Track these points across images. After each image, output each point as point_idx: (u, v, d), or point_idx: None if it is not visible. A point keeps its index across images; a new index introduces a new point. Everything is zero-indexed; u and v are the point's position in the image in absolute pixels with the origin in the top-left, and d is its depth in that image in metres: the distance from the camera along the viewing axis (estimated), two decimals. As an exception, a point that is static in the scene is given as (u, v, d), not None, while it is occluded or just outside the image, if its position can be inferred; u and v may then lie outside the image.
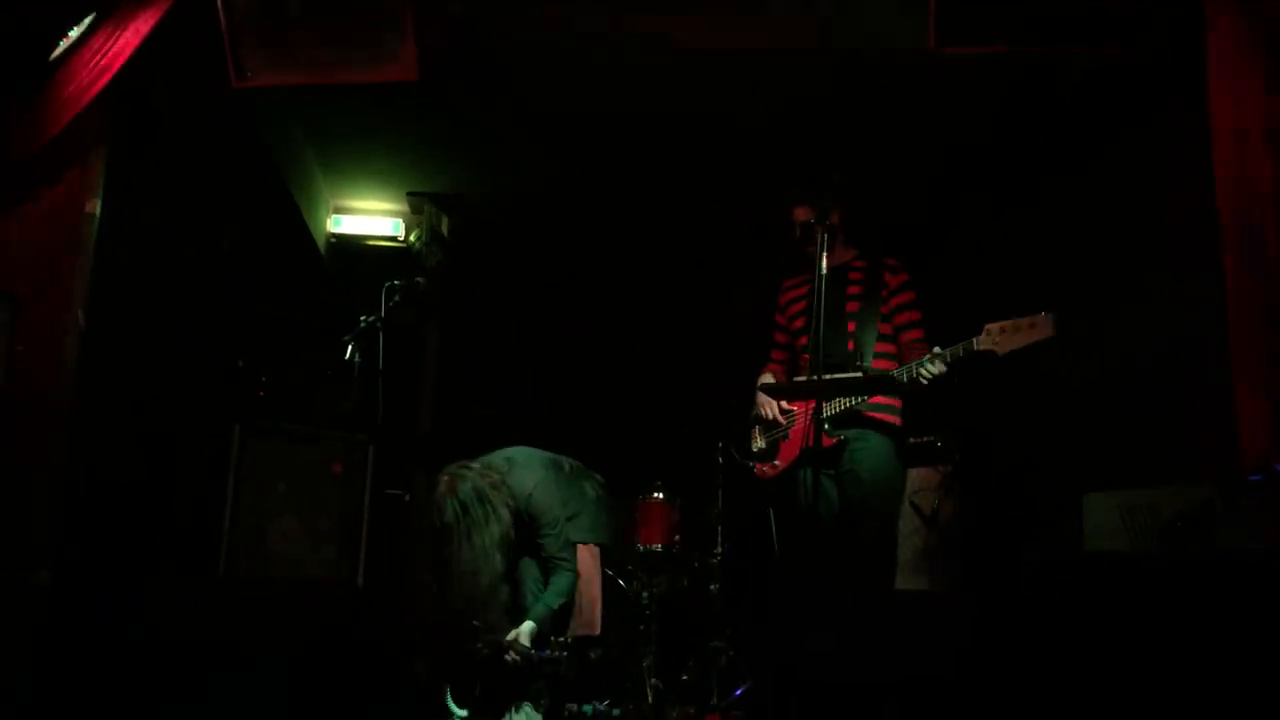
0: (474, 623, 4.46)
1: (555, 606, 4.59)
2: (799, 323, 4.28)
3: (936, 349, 3.75)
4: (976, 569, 4.98)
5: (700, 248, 6.84)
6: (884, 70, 4.94)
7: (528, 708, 4.48)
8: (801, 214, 4.14)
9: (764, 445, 4.34)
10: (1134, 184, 4.76)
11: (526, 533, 4.62)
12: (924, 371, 3.74)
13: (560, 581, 4.61)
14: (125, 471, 4.36)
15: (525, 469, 4.71)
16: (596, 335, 6.99)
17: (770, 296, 4.64)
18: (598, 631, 5.03)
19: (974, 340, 3.62)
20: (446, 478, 4.57)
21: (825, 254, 3.56)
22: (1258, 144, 3.24)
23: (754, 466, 4.36)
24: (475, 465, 4.63)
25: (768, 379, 4.40)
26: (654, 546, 5.41)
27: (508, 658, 4.42)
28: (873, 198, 4.30)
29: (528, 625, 4.49)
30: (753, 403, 4.44)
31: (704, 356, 6.72)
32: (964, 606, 3.25)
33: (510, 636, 4.45)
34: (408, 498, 6.39)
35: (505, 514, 4.52)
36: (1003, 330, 3.55)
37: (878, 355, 4.06)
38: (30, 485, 3.87)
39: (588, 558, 4.85)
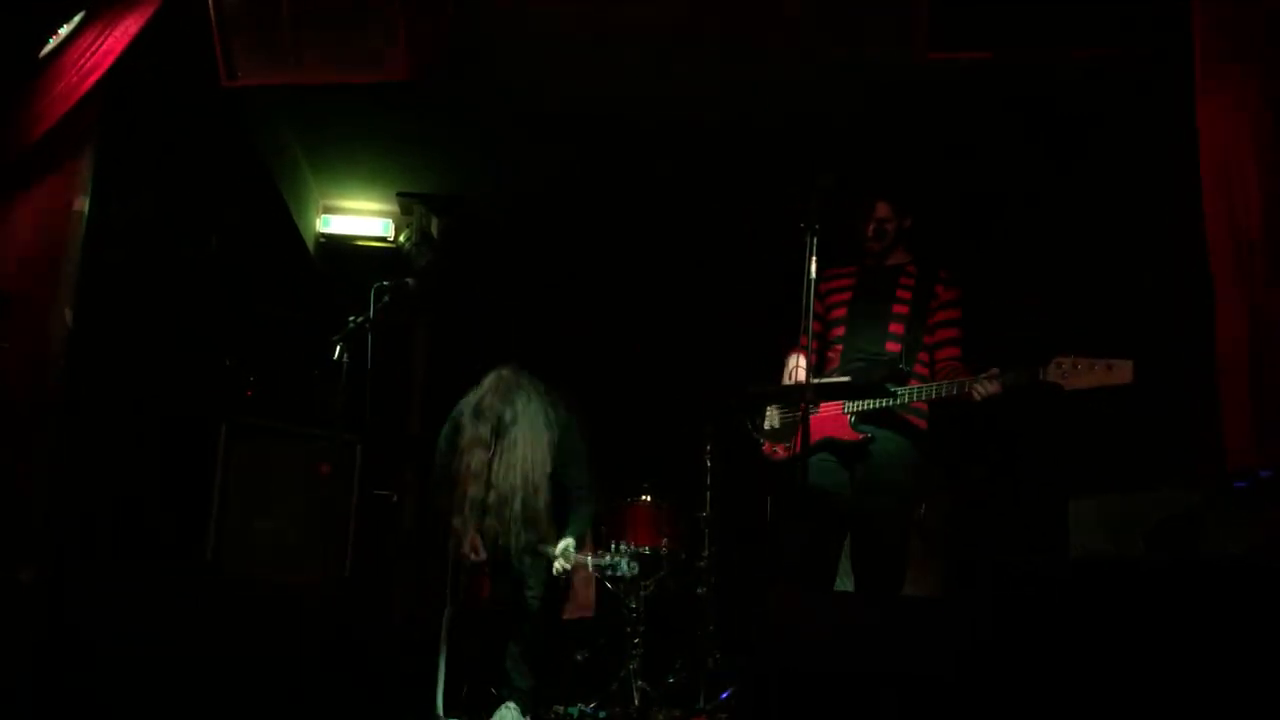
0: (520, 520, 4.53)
1: (584, 532, 4.72)
2: (837, 313, 4.23)
3: (996, 370, 3.70)
4: (962, 573, 4.99)
5: (697, 250, 6.85)
6: (879, 71, 4.95)
7: (514, 708, 4.49)
8: (883, 210, 4.14)
9: (777, 426, 4.25)
10: (1131, 184, 4.77)
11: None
12: (979, 389, 3.70)
13: (586, 509, 4.75)
14: (113, 470, 4.35)
15: (562, 400, 4.84)
16: (587, 336, 7.00)
17: (765, 298, 4.62)
18: (591, 614, 5.07)
19: (1040, 370, 3.56)
20: (509, 373, 4.75)
21: (813, 258, 3.54)
22: (1244, 156, 3.25)
23: (763, 444, 4.29)
24: (529, 377, 4.79)
25: (795, 360, 4.31)
26: (642, 549, 5.41)
27: (557, 566, 4.52)
28: (867, 199, 4.28)
29: (570, 540, 4.59)
30: (755, 398, 4.38)
31: (696, 359, 6.74)
32: (953, 610, 3.26)
33: (560, 547, 4.56)
34: (395, 498, 6.39)
35: (556, 430, 4.66)
36: (1075, 366, 3.48)
37: (917, 362, 4.04)
38: (17, 483, 3.85)
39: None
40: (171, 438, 4.74)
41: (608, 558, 4.73)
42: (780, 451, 4.19)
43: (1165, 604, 2.70)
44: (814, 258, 3.56)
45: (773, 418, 4.26)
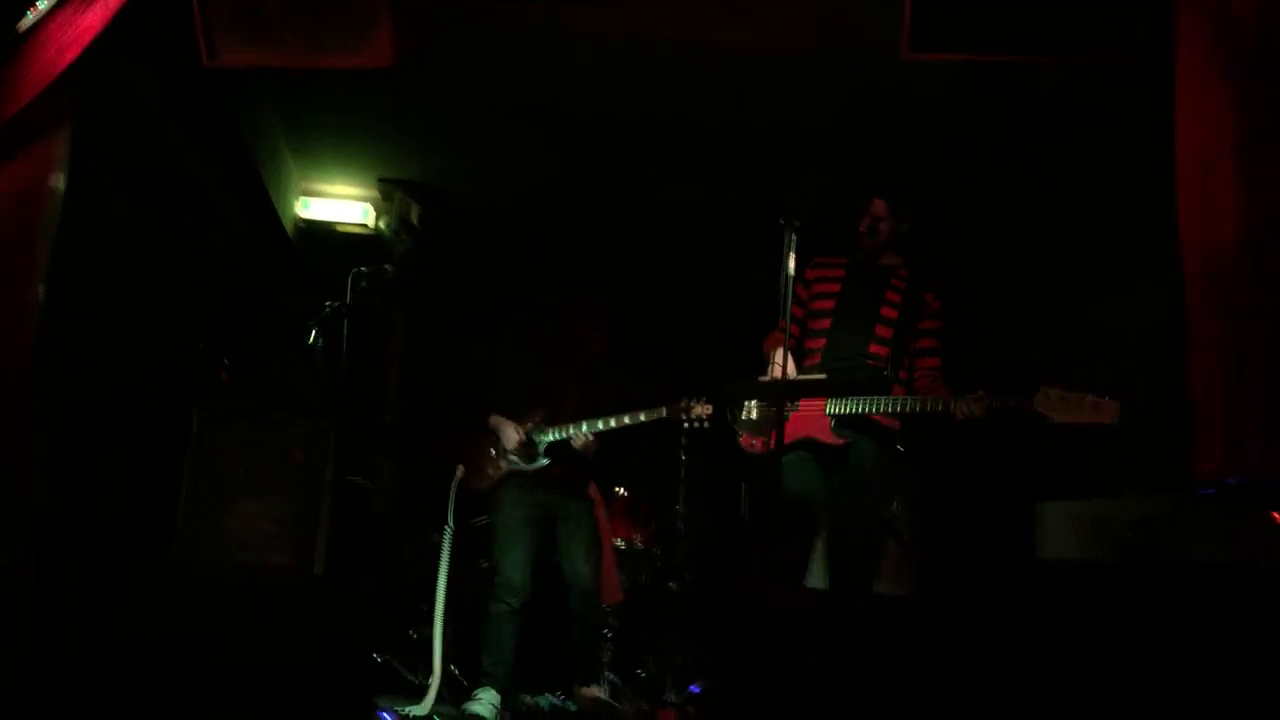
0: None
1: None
2: (823, 304, 4.21)
3: (982, 392, 3.71)
4: (933, 574, 5.02)
5: (677, 243, 6.85)
6: (865, 71, 4.96)
7: (491, 692, 4.50)
8: (880, 208, 4.13)
9: (755, 418, 4.24)
10: (1112, 191, 4.79)
11: None
12: (962, 409, 3.70)
13: None
14: (83, 453, 4.31)
15: None
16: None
17: (744, 298, 4.61)
18: (621, 599, 5.17)
19: (1030, 399, 3.59)
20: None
21: (792, 255, 3.54)
22: (1221, 164, 3.26)
23: (741, 436, 4.27)
24: None
25: (779, 356, 4.29)
26: (615, 543, 5.42)
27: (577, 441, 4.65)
28: (850, 200, 4.28)
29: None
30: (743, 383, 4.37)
31: (672, 353, 6.73)
32: (923, 611, 3.27)
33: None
34: (370, 485, 6.36)
35: None
36: (1063, 399, 3.51)
37: (903, 366, 4.04)
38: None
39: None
40: (143, 421, 4.71)
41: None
42: (758, 445, 4.18)
43: (1132, 608, 2.72)
44: (793, 255, 3.55)
45: (752, 409, 4.25)
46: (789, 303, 3.53)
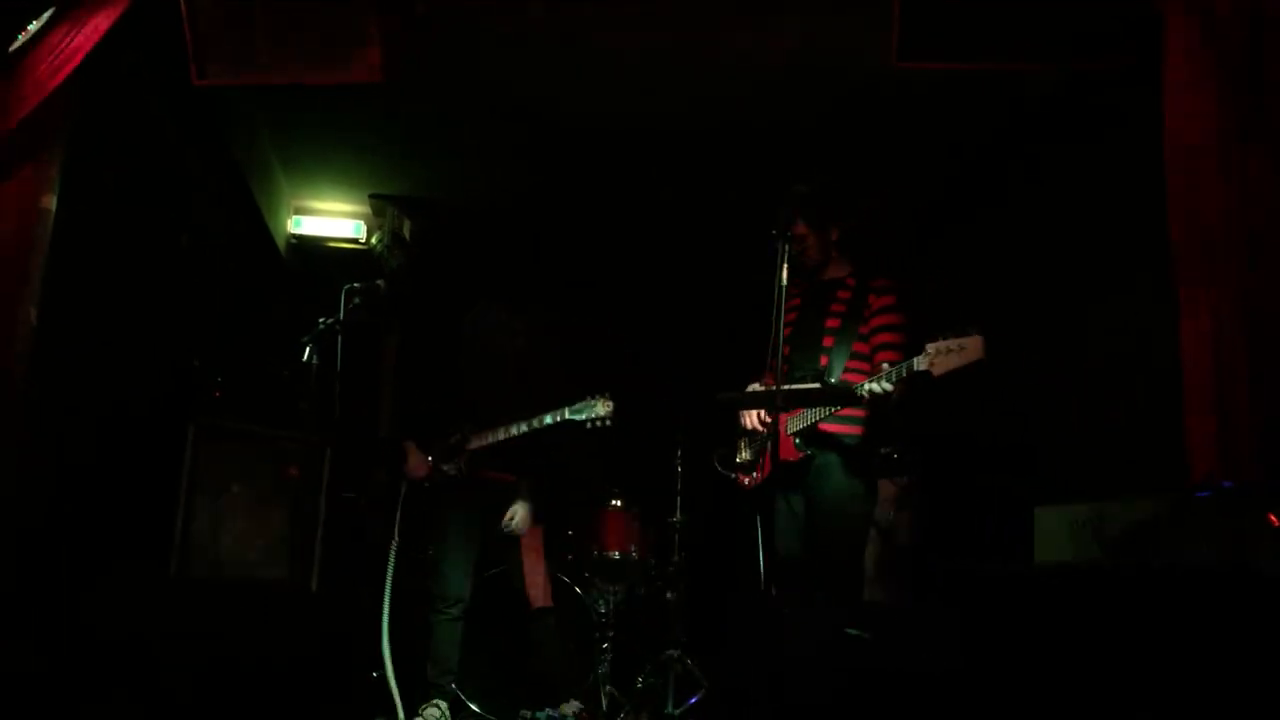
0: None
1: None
2: (786, 331, 4.24)
3: (885, 365, 3.72)
4: (928, 581, 5.02)
5: (669, 256, 6.86)
6: (855, 84, 4.97)
7: (439, 706, 4.50)
8: (800, 228, 4.14)
9: (749, 456, 4.29)
10: (1104, 195, 4.81)
11: None
12: (868, 389, 3.72)
13: None
14: (77, 470, 4.30)
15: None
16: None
17: (738, 305, 4.61)
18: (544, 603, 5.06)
19: (914, 360, 3.55)
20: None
21: (784, 265, 3.56)
22: (1209, 165, 3.28)
23: (737, 477, 4.31)
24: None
25: (756, 387, 4.33)
26: (611, 554, 5.41)
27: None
28: (841, 209, 4.29)
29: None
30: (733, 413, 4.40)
31: (667, 365, 6.75)
32: (920, 618, 3.27)
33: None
34: (364, 500, 6.35)
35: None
36: (939, 351, 3.47)
37: (848, 370, 4.04)
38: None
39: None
40: (138, 438, 4.70)
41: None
42: (748, 482, 4.24)
43: (1130, 611, 2.73)
44: (785, 266, 3.58)
45: (743, 450, 4.30)
46: (782, 312, 3.55)
